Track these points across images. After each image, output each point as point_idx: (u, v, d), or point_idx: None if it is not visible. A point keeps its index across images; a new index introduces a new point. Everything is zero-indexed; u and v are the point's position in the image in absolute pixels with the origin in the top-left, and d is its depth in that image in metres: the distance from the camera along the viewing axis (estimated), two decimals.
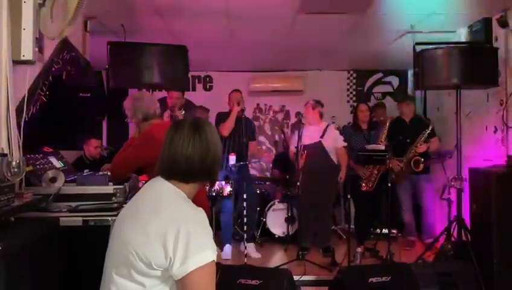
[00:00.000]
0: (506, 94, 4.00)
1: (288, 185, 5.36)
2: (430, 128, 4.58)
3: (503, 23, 3.99)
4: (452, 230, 3.99)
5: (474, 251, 3.56)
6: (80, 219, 2.27)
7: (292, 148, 4.81)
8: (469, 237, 3.82)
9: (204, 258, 1.30)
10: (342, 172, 4.71)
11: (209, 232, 1.37)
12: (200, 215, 1.38)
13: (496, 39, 4.15)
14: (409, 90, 6.57)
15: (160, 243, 1.30)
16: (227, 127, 4.59)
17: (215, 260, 1.35)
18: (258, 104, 6.81)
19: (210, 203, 3.74)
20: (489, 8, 4.01)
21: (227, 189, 3.88)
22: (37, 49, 2.09)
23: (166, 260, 1.30)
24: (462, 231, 3.89)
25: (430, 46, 4.06)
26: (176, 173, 1.45)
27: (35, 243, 1.94)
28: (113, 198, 2.46)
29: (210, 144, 1.48)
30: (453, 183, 3.98)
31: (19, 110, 2.08)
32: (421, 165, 4.51)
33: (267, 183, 5.98)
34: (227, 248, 4.59)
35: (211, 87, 6.77)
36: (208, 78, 6.77)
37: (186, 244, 1.29)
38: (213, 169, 1.50)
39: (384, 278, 3.14)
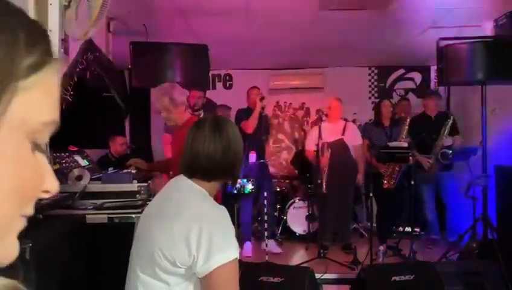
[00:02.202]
0: None
1: (309, 183, 5.33)
2: (451, 119, 4.50)
3: None
4: (477, 229, 3.91)
5: (500, 250, 3.48)
6: (105, 216, 2.32)
7: (310, 146, 4.77)
8: (495, 235, 3.74)
9: (228, 256, 1.31)
10: (360, 173, 4.68)
11: (231, 230, 1.38)
12: (222, 213, 1.40)
13: None
14: (432, 87, 6.46)
15: (183, 241, 1.32)
16: (251, 125, 4.56)
17: (238, 258, 1.36)
18: (277, 102, 6.80)
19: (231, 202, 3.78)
20: None
21: (249, 187, 3.89)
22: (62, 50, 2.14)
23: (190, 258, 1.32)
24: (488, 230, 3.81)
25: (454, 41, 3.98)
26: (198, 171, 1.46)
27: (62, 239, 1.99)
28: (137, 195, 2.51)
29: (231, 142, 1.48)
30: (478, 180, 3.90)
31: None
32: (449, 156, 4.41)
33: (287, 181, 5.97)
34: (247, 245, 4.61)
35: (230, 86, 6.79)
36: (227, 77, 6.79)
37: (209, 242, 1.30)
38: (234, 167, 1.51)
39: (407, 277, 3.10)
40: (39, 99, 0.45)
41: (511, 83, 4.01)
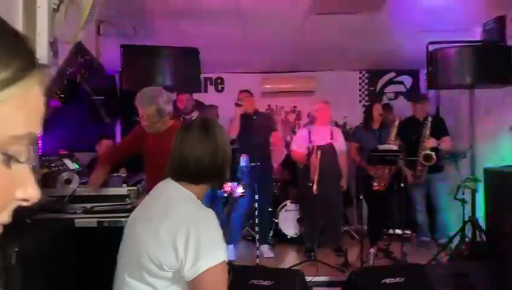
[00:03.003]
0: None
1: (299, 186, 5.34)
2: (429, 121, 4.53)
3: None
4: (467, 231, 3.94)
5: (489, 251, 3.52)
6: (95, 220, 2.31)
7: (295, 148, 4.79)
8: (484, 237, 3.77)
9: (216, 259, 1.31)
10: (344, 180, 4.74)
11: (219, 232, 1.38)
12: (209, 216, 1.40)
13: (511, 37, 4.09)
14: (422, 90, 6.51)
15: (171, 245, 1.32)
16: (233, 127, 4.52)
17: (226, 260, 1.36)
18: (269, 105, 6.81)
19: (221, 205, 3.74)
20: (503, 5, 3.96)
21: (239, 190, 3.88)
22: (51, 54, 2.13)
23: (178, 261, 1.32)
24: (477, 232, 3.85)
25: (443, 45, 4.02)
26: (186, 174, 1.46)
27: (50, 244, 1.97)
28: (127, 199, 2.50)
29: (219, 144, 1.48)
30: (466, 183, 3.93)
31: None
32: (433, 158, 4.43)
33: (279, 184, 5.97)
34: (231, 247, 4.46)
35: (222, 89, 6.79)
36: (219, 80, 6.79)
37: (196, 245, 1.30)
38: (223, 169, 1.51)
39: (397, 279, 3.12)
40: (10, 113, 0.46)
41: (499, 86, 4.06)
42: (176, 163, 1.48)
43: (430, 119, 4.58)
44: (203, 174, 1.47)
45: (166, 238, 1.33)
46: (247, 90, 4.93)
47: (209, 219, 1.39)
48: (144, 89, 2.77)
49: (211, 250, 1.31)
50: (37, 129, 0.49)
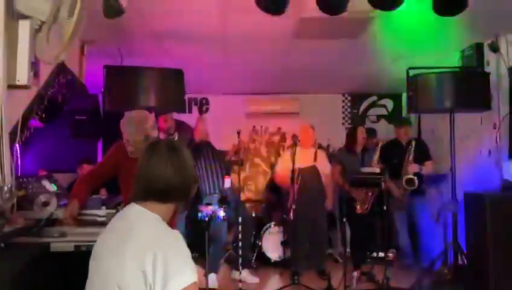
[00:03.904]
0: (499, 118, 4.04)
1: (282, 208, 5.32)
2: (412, 145, 4.58)
3: (494, 48, 4.07)
4: (448, 254, 3.96)
5: (470, 275, 3.53)
6: (72, 244, 2.24)
7: (278, 170, 4.80)
8: (465, 261, 3.79)
9: (185, 281, 1.29)
10: (329, 200, 4.75)
11: (186, 253, 1.36)
12: (175, 237, 1.38)
13: (488, 64, 4.22)
14: (404, 114, 6.62)
15: (138, 271, 1.29)
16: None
17: (197, 282, 1.33)
18: (254, 127, 6.83)
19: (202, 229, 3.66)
20: (481, 33, 4.09)
21: (221, 214, 3.83)
22: (32, 74, 2.10)
23: (147, 287, 1.29)
24: (459, 255, 3.87)
25: (423, 71, 4.12)
26: (153, 193, 1.45)
27: (25, 269, 1.90)
28: (107, 222, 2.44)
29: (187, 165, 1.51)
30: (447, 207, 3.97)
31: (12, 135, 2.08)
32: (415, 183, 4.46)
33: (263, 205, 5.94)
34: (212, 276, 4.30)
35: (207, 110, 6.79)
36: (204, 101, 6.80)
37: (164, 268, 1.28)
38: (190, 188, 1.53)
39: None
40: None
41: (478, 111, 4.15)
42: (143, 182, 1.47)
43: (413, 143, 4.63)
44: (171, 193, 1.46)
45: (133, 265, 1.29)
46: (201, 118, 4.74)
47: (175, 240, 1.37)
48: (130, 114, 2.76)
49: (179, 272, 1.29)
50: None
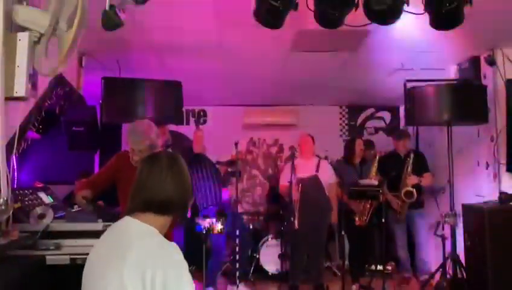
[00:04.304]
0: (496, 130, 4.05)
1: (282, 220, 5.29)
2: (411, 158, 4.58)
3: (490, 62, 4.09)
4: (447, 267, 3.94)
5: (469, 288, 3.51)
6: (67, 257, 2.21)
7: (283, 182, 4.75)
8: (464, 274, 3.77)
9: None
10: (334, 214, 4.64)
11: (185, 270, 1.35)
12: (173, 250, 1.36)
13: (485, 77, 4.24)
14: (401, 126, 6.64)
15: (140, 287, 1.26)
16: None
17: None
18: (251, 138, 6.84)
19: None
20: (478, 47, 4.12)
21: (218, 227, 3.80)
22: (30, 86, 2.09)
23: None
24: (457, 268, 3.84)
25: (421, 83, 4.14)
26: (153, 205, 1.45)
27: (21, 282, 1.88)
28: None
29: (185, 177, 1.53)
30: (446, 219, 3.96)
31: (9, 146, 2.06)
32: (414, 195, 4.46)
33: (261, 217, 5.91)
34: None
35: (205, 121, 6.80)
36: (202, 113, 6.81)
37: (163, 284, 1.27)
38: (188, 201, 1.55)
39: None
40: None
41: (475, 123, 4.17)
42: (143, 194, 1.46)
43: (412, 156, 4.63)
44: (171, 205, 1.46)
45: (132, 283, 1.27)
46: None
47: (173, 253, 1.35)
48: (135, 124, 2.77)
49: (177, 287, 1.28)
50: None
